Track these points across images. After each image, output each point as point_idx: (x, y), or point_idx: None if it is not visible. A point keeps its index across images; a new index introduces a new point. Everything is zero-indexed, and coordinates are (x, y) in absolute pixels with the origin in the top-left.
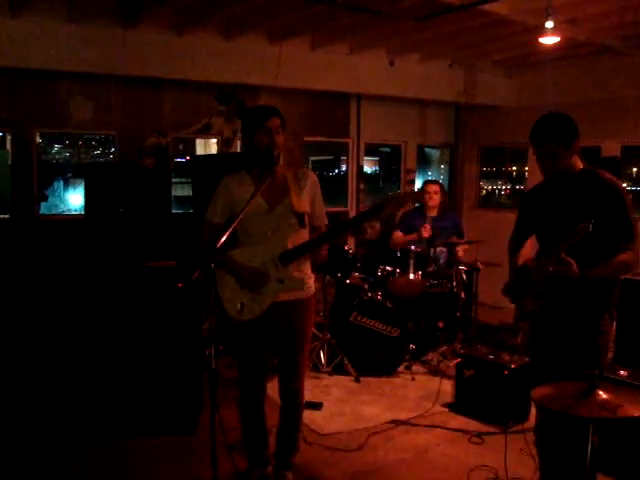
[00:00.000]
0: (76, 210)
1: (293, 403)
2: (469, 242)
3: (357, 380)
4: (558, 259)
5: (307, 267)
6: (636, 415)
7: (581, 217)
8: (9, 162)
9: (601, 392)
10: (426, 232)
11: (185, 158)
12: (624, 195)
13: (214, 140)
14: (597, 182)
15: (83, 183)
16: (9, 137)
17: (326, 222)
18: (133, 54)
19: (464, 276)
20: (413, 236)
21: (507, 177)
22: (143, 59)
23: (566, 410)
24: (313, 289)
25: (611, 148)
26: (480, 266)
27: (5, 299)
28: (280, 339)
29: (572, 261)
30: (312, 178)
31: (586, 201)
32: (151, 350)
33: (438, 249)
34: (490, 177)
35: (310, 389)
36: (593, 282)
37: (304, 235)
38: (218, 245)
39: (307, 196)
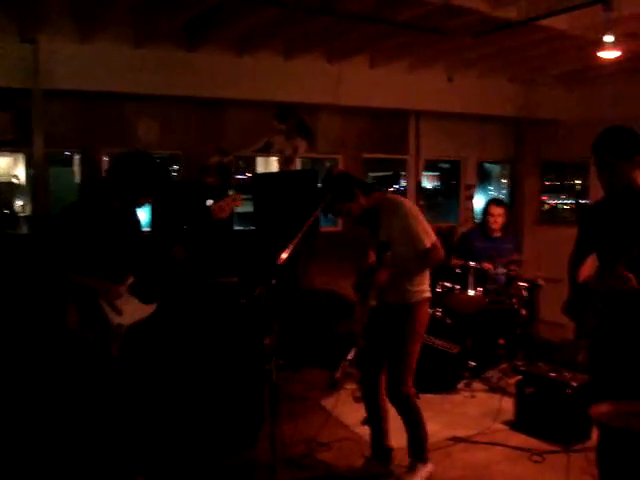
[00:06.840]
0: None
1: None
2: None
3: (416, 396)
4: (618, 275)
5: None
6: None
7: None
8: (76, 181)
9: None
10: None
11: (245, 175)
12: None
13: (274, 157)
14: None
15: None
16: (77, 157)
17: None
18: (196, 76)
19: (525, 293)
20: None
21: (570, 191)
22: (206, 81)
23: (628, 427)
24: (415, 299)
25: None
26: (541, 283)
27: None
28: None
29: (632, 276)
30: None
31: None
32: (213, 363)
33: (499, 269)
34: (553, 192)
35: None
36: None
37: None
38: (279, 262)
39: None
